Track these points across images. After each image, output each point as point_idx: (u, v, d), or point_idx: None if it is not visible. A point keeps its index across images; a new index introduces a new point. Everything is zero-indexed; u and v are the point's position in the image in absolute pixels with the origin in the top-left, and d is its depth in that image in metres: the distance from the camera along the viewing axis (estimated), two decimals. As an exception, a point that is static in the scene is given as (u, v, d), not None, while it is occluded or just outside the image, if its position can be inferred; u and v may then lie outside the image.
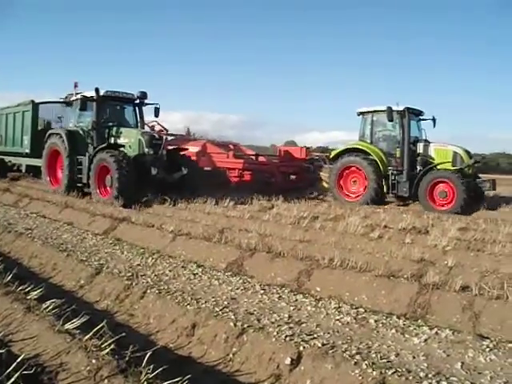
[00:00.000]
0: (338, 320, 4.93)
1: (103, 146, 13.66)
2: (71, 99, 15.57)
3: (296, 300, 5.56)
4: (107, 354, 3.39)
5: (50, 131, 15.74)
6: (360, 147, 16.11)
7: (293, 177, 19.87)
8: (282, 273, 6.44)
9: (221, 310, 4.96)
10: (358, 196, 15.98)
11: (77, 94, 15.10)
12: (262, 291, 5.85)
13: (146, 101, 15.49)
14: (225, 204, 12.39)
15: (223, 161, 19.46)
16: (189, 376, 3.35)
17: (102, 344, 3.55)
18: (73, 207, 11.95)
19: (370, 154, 15.77)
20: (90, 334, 3.70)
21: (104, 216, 10.54)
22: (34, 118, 17.95)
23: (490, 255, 7.40)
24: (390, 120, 15.32)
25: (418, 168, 15.15)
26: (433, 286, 5.43)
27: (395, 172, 15.44)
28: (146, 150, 13.45)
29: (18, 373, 3.13)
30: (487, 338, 4.51)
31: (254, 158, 20.69)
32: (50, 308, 4.34)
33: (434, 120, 16.61)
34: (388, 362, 3.87)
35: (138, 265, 6.96)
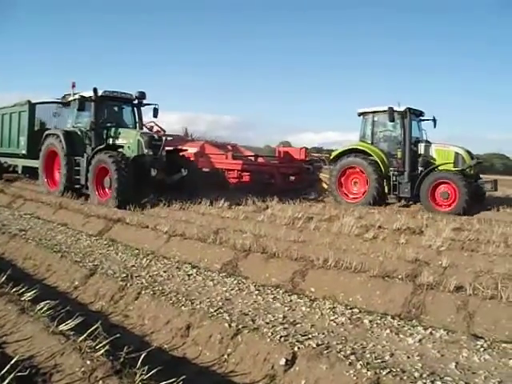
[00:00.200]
0: (332, 320, 4.94)
1: (102, 146, 13.48)
2: (69, 99, 15.42)
3: (291, 300, 5.56)
4: (102, 355, 3.38)
5: (47, 132, 15.50)
6: (361, 148, 16.02)
7: (292, 178, 19.80)
8: (277, 273, 6.44)
9: (215, 311, 4.96)
10: (358, 197, 15.89)
11: (74, 94, 14.95)
12: (257, 292, 5.85)
13: (144, 101, 15.32)
14: (219, 205, 12.38)
15: (222, 162, 19.31)
16: (183, 377, 3.35)
17: (96, 345, 3.55)
18: (67, 208, 11.91)
19: (370, 155, 15.69)
20: (85, 335, 3.69)
21: (98, 217, 10.52)
22: (30, 118, 17.80)
23: (484, 255, 7.43)
24: (392, 120, 15.26)
25: (420, 169, 15.08)
26: (427, 286, 5.45)
27: (396, 173, 15.38)
28: (146, 150, 13.24)
29: (12, 374, 3.12)
30: (481, 337, 4.52)
31: (253, 158, 20.59)
32: (44, 309, 4.33)
33: (434, 120, 16.54)
34: (382, 362, 3.87)
35: (133, 266, 6.94)
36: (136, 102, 15.33)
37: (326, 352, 3.89)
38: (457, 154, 14.87)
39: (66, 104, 15.81)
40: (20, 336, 3.88)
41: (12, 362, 3.25)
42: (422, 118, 16.56)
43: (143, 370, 3.22)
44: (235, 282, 6.28)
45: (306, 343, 4.15)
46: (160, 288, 5.75)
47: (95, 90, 14.00)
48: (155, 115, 15.68)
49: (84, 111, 14.41)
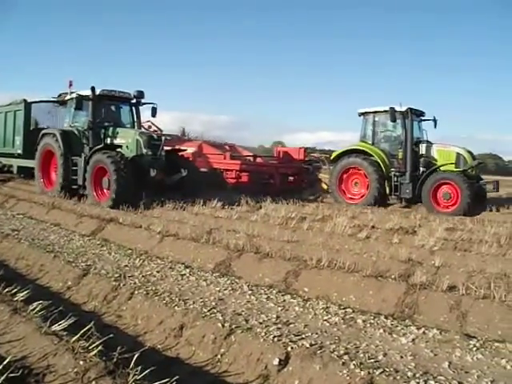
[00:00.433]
0: (325, 320, 4.94)
1: (100, 146, 13.24)
2: (65, 98, 15.20)
3: (284, 300, 5.57)
4: (95, 355, 3.37)
5: (43, 131, 15.21)
6: (362, 148, 15.90)
7: (291, 178, 19.67)
8: (270, 273, 6.44)
9: (209, 311, 4.95)
10: (359, 198, 15.79)
11: (72, 92, 14.71)
12: (250, 292, 5.85)
13: (142, 100, 15.12)
14: (213, 205, 12.35)
15: (220, 162, 19.19)
16: (177, 377, 3.35)
17: (89, 345, 3.54)
18: (60, 208, 11.87)
19: (371, 155, 15.58)
20: (78, 335, 3.68)
21: (91, 217, 10.49)
22: (26, 117, 17.48)
23: (476, 255, 7.45)
24: (393, 121, 15.17)
25: (421, 169, 14.99)
26: (420, 286, 5.46)
27: (398, 173, 15.27)
28: (145, 150, 13.04)
29: (5, 375, 3.11)
30: (474, 337, 4.54)
31: (251, 159, 20.45)
32: (36, 310, 4.32)
33: (435, 121, 16.40)
34: (376, 361, 3.88)
35: (126, 266, 6.93)
36: (134, 101, 15.11)
37: (319, 352, 3.89)
38: (458, 154, 14.77)
39: (63, 103, 15.62)
40: (12, 336, 3.87)
41: (4, 362, 3.24)
42: (423, 118, 16.44)
43: (136, 371, 3.21)
44: (228, 281, 6.28)
45: (299, 343, 4.16)
46: (153, 288, 5.74)
47: (93, 89, 13.78)
48: (153, 115, 15.38)
49: (81, 110, 14.13)
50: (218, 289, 5.92)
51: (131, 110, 15.29)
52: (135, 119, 15.28)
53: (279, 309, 5.26)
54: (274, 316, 4.98)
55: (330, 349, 4.09)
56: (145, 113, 15.89)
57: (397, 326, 4.81)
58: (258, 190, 16.57)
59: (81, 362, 3.26)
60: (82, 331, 3.76)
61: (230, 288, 5.98)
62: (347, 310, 5.29)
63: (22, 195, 14.47)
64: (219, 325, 4.39)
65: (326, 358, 3.68)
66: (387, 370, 3.64)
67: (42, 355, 3.47)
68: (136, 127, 15.05)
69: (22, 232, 9.27)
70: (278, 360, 3.74)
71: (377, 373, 3.52)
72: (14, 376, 3.18)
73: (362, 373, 3.46)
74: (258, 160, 20.40)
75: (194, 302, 5.25)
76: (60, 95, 15.97)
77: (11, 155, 18.14)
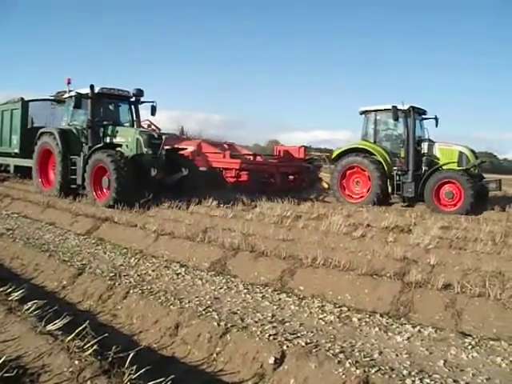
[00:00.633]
0: (321, 319, 4.95)
1: (99, 145, 13.03)
2: (64, 96, 15.01)
3: (279, 299, 5.57)
4: (90, 354, 3.36)
5: (41, 130, 14.96)
6: (363, 147, 15.75)
7: (291, 177, 19.53)
8: (266, 272, 6.44)
9: (204, 310, 4.95)
10: (361, 197, 15.63)
11: (70, 91, 14.50)
12: (246, 290, 5.85)
13: (141, 98, 14.89)
14: (208, 203, 12.34)
15: (219, 161, 19.04)
16: (172, 376, 3.34)
17: (84, 345, 3.52)
18: (55, 207, 11.84)
19: (373, 154, 15.43)
20: (73, 334, 3.67)
21: (86, 216, 10.46)
22: (23, 116, 17.36)
23: (471, 253, 7.47)
24: (396, 119, 15.05)
25: (424, 168, 14.83)
26: (415, 285, 5.47)
27: (400, 172, 15.12)
28: (145, 149, 12.83)
29: (0, 375, 3.10)
30: (469, 335, 4.55)
31: (251, 157, 20.20)
32: (31, 309, 4.30)
33: (436, 119, 16.26)
34: (371, 360, 3.89)
35: (121, 265, 6.92)
36: (133, 99, 14.88)
37: (314, 350, 3.89)
38: (461, 153, 14.65)
39: (61, 101, 15.43)
40: (7, 336, 3.85)
41: (-1, 362, 3.23)
42: (425, 116, 16.28)
43: (132, 370, 3.20)
44: (224, 280, 6.28)
45: (294, 342, 4.16)
46: (148, 287, 5.73)
47: (92, 87, 13.55)
48: (153, 113, 15.04)
49: (80, 109, 13.90)
50: (213, 288, 5.92)
51: (130, 108, 15.06)
52: (134, 118, 15.05)
53: (275, 307, 5.27)
54: (270, 315, 4.99)
55: (325, 347, 4.10)
56: (141, 112, 15.74)
57: (392, 325, 4.83)
58: (257, 189, 16.51)
59: (76, 362, 3.25)
60: (77, 330, 3.74)
61: (225, 287, 5.98)
62: (342, 308, 5.30)
63: (16, 194, 14.40)
64: (215, 324, 4.39)
65: (322, 357, 3.68)
66: (383, 368, 3.65)
67: (37, 355, 3.46)
68: (135, 126, 14.83)
69: (16, 231, 9.25)
70: (273, 359, 3.74)
71: (372, 371, 3.53)
72: (8, 376, 3.17)
73: (358, 371, 3.46)
74: (258, 159, 20.16)
75: (189, 301, 5.25)
76: (58, 93, 15.81)
77: (8, 154, 17.99)
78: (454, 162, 14.65)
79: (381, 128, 16.15)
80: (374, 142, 15.94)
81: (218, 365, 3.93)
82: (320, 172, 18.96)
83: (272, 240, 7.96)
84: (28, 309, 4.31)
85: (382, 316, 5.08)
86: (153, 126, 21.07)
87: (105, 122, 14.09)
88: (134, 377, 3.15)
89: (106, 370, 3.17)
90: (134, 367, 3.25)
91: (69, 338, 3.62)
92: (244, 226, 9.09)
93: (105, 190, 12.63)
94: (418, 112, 15.79)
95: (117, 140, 13.57)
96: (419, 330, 4.65)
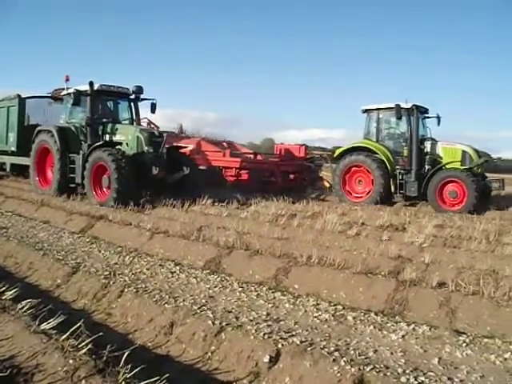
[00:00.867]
0: (316, 317, 4.95)
1: (99, 143, 12.83)
2: (61, 94, 14.83)
3: (274, 297, 5.57)
4: (84, 354, 3.35)
5: (39, 128, 14.73)
6: (366, 146, 15.68)
7: (291, 176, 19.39)
8: (260, 270, 6.44)
9: (199, 309, 4.95)
10: (363, 196, 15.59)
11: (68, 88, 14.34)
12: (240, 289, 5.85)
13: (141, 96, 14.71)
14: (203, 202, 12.31)
15: (219, 159, 18.98)
16: (167, 375, 3.34)
17: (79, 344, 3.51)
18: (49, 205, 11.80)
19: (376, 153, 15.37)
20: (67, 334, 3.66)
21: (81, 214, 10.43)
22: (20, 113, 17.15)
23: (465, 252, 7.50)
24: (399, 118, 15.00)
25: (427, 167, 14.77)
26: (410, 283, 5.48)
27: (403, 171, 15.07)
28: (146, 148, 12.65)
29: (-7, 374, 3.09)
30: (464, 333, 4.57)
31: (251, 156, 20.15)
32: (25, 308, 4.29)
33: (438, 118, 16.21)
34: (366, 358, 3.89)
35: (116, 263, 6.90)
36: (133, 96, 14.69)
37: (309, 349, 3.90)
38: (464, 152, 14.61)
39: (58, 98, 15.23)
40: (1, 335, 3.83)
41: (-7, 361, 3.22)
42: (427, 115, 16.23)
43: (126, 369, 3.20)
44: (218, 279, 6.28)
45: (289, 340, 4.16)
46: (143, 286, 5.72)
47: (91, 84, 13.34)
48: (153, 111, 14.86)
49: (79, 106, 13.77)
50: (208, 286, 5.92)
51: (130, 105, 14.88)
52: (134, 115, 14.87)
53: (269, 306, 5.27)
54: (265, 313, 4.98)
55: (320, 346, 4.10)
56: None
57: (387, 323, 4.83)
58: (258, 187, 16.47)
59: (70, 361, 3.24)
60: (71, 330, 3.73)
61: (220, 285, 5.98)
62: (337, 306, 5.31)
63: (10, 192, 14.34)
64: (209, 322, 4.38)
65: (317, 355, 3.69)
66: (377, 366, 3.65)
67: (31, 354, 3.44)
68: (135, 124, 14.63)
69: (10, 230, 9.21)
70: (268, 357, 3.74)
71: (367, 369, 3.53)
72: (2, 376, 3.16)
73: (353, 369, 3.47)
74: (259, 157, 20.07)
75: (184, 300, 5.24)
76: (55, 91, 15.64)
77: (4, 152, 17.81)
78: (457, 161, 14.61)
79: (383, 127, 16.10)
80: (377, 141, 15.88)
81: (212, 363, 3.93)
82: (321, 171, 18.90)
83: (267, 238, 7.97)
84: (22, 308, 4.29)
85: (376, 314, 5.08)
86: (152, 125, 20.87)
87: (104, 120, 13.91)
88: (128, 376, 3.14)
89: (100, 369, 3.16)
90: (129, 366, 3.24)
91: (63, 337, 3.61)
92: (239, 224, 9.08)
93: (105, 190, 12.48)
94: (421, 110, 15.74)
95: (116, 138, 13.39)
96: (414, 328, 4.66)
